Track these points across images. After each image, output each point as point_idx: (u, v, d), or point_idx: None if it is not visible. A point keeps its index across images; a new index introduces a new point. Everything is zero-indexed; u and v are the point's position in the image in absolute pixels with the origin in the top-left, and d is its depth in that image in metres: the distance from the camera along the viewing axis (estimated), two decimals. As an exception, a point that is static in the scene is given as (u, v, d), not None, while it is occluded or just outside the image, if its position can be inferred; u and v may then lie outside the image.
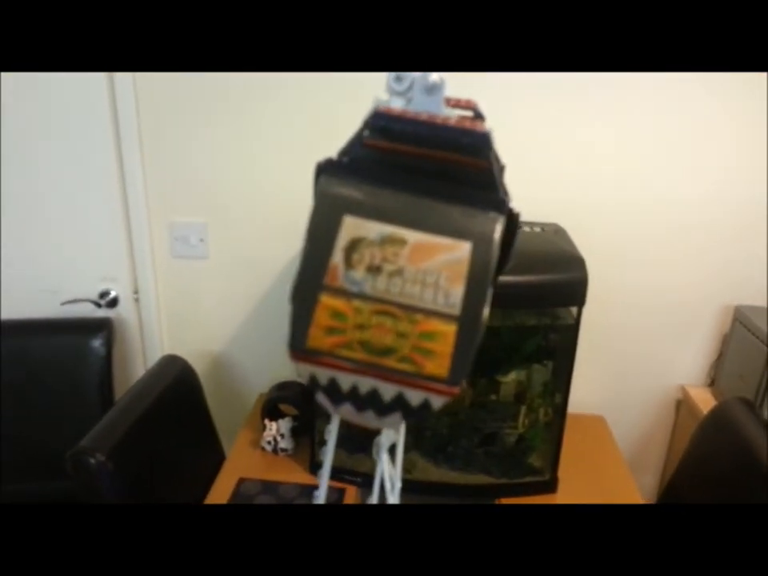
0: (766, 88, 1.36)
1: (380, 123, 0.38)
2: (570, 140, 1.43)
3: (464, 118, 0.43)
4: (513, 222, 0.42)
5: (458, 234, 0.36)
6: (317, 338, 0.35)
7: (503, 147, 1.44)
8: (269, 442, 1.43)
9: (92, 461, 1.05)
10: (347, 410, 0.36)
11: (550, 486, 1.35)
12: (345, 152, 0.40)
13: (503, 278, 1.10)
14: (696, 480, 1.34)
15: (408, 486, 1.36)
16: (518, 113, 1.42)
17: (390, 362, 0.35)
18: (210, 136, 1.48)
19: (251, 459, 1.41)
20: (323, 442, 1.37)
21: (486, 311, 0.35)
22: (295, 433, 1.45)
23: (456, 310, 0.35)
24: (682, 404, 1.65)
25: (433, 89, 0.40)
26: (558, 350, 1.32)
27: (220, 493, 1.28)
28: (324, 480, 0.64)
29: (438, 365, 0.35)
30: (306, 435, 1.41)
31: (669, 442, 1.72)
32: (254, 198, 1.53)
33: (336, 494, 1.31)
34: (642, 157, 1.44)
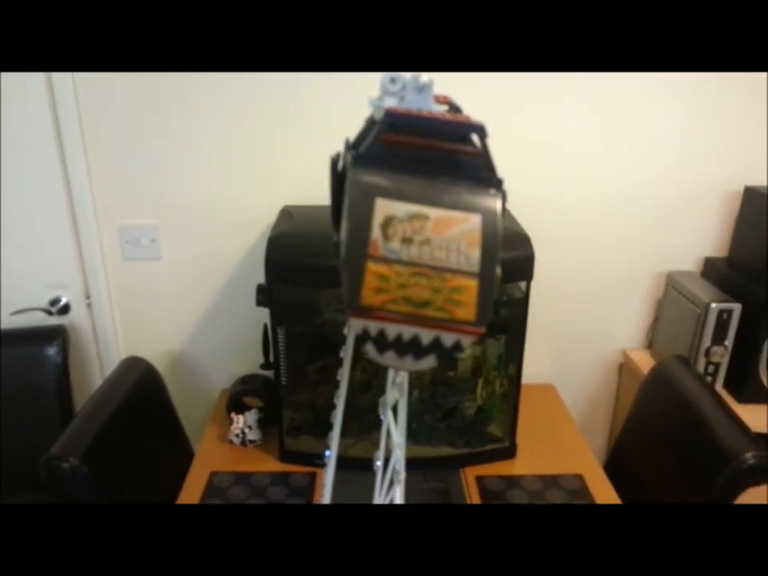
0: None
1: (391, 120, 0.45)
2: (516, 126, 1.51)
3: (450, 111, 0.51)
4: (503, 199, 0.51)
5: (468, 208, 0.45)
6: (368, 297, 0.42)
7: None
8: (237, 435, 1.45)
9: (65, 465, 1.06)
10: (390, 356, 0.43)
11: (510, 452, 1.43)
12: (362, 146, 0.47)
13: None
14: (641, 437, 1.45)
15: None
16: (472, 94, 1.48)
17: (429, 312, 0.44)
18: (156, 137, 1.48)
19: (220, 453, 1.43)
20: (291, 430, 1.42)
21: (499, 269, 0.43)
22: (262, 424, 1.48)
23: (476, 268, 0.43)
24: (624, 367, 1.77)
25: (423, 89, 0.47)
26: (509, 324, 1.40)
27: (192, 487, 1.30)
28: (330, 475, 0.69)
29: (467, 311, 0.43)
30: (273, 425, 1.44)
31: (614, 404, 1.84)
32: (204, 197, 1.54)
33: (307, 478, 1.35)
34: (584, 145, 1.53)
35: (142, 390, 1.36)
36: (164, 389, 1.45)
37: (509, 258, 1.19)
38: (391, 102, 0.49)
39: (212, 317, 1.67)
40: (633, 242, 1.63)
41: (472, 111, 1.47)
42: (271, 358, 1.43)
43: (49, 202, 1.52)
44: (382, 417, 0.62)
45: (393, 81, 0.48)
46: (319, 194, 1.54)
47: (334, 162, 0.54)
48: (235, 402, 1.51)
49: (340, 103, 1.47)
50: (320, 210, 1.45)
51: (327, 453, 0.69)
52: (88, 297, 1.63)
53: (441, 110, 0.50)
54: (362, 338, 0.44)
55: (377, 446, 1.43)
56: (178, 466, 1.41)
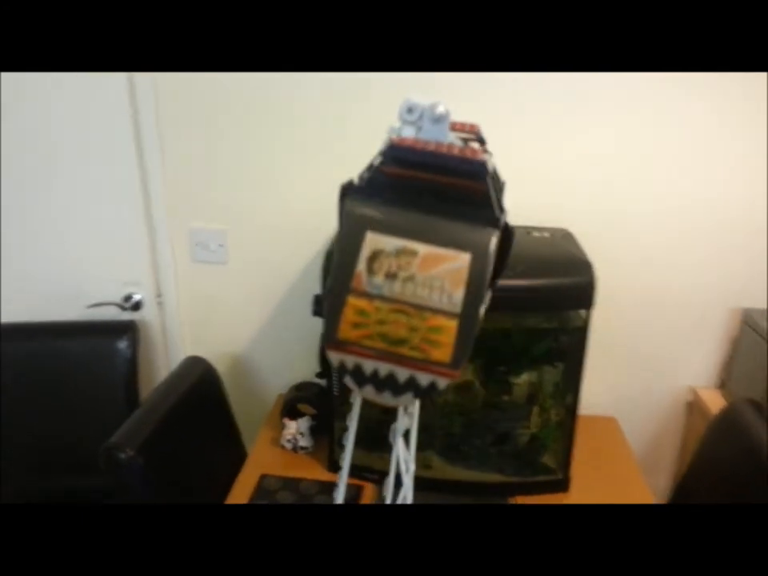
0: (767, 88, 1.39)
1: (394, 153, 0.45)
2: (575, 145, 1.47)
3: (466, 144, 0.50)
4: (508, 233, 0.49)
5: (459, 246, 0.44)
6: (345, 331, 0.42)
7: (513, 154, 1.48)
8: (288, 441, 1.48)
9: (122, 455, 1.10)
10: (369, 391, 0.43)
11: (563, 485, 1.38)
12: (363, 177, 0.47)
13: (514, 283, 1.15)
14: (706, 481, 1.37)
15: (423, 484, 1.40)
16: (527, 119, 1.46)
17: (404, 351, 0.43)
18: (230, 144, 1.53)
19: (272, 456, 1.46)
20: (342, 441, 1.42)
21: (482, 310, 0.42)
22: (314, 432, 1.50)
23: (458, 309, 0.42)
24: (693, 406, 1.68)
25: (439, 119, 0.47)
26: (568, 351, 1.36)
27: (243, 488, 1.33)
28: (343, 479, 0.69)
29: (443, 352, 0.42)
30: (324, 434, 1.45)
31: (680, 444, 1.74)
32: (272, 205, 1.58)
33: (354, 490, 1.35)
34: (647, 160, 1.47)
35: (201, 389, 1.40)
36: (222, 389, 1.50)
37: (568, 285, 1.16)
38: (409, 131, 0.49)
39: (273, 323, 1.71)
40: (706, 271, 1.55)
41: (524, 124, 1.45)
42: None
43: (127, 203, 1.60)
44: (392, 442, 0.61)
45: (410, 110, 0.48)
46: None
47: (344, 189, 0.54)
48: (289, 408, 1.53)
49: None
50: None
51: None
52: (159, 295, 1.70)
53: (456, 140, 0.50)
54: (341, 370, 0.44)
55: (425, 465, 1.42)
56: (231, 466, 1.44)
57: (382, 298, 0.43)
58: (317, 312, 1.30)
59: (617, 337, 1.64)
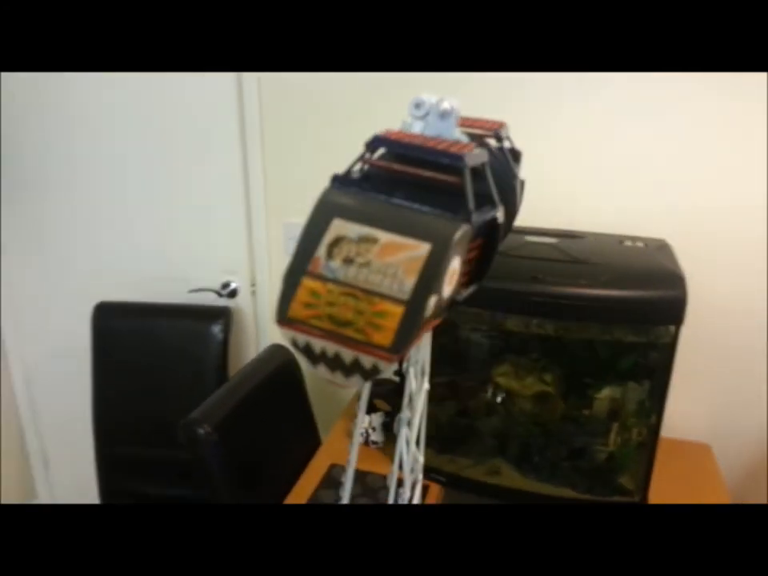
0: None
1: (377, 145, 0.46)
2: (671, 149, 1.38)
3: (473, 140, 0.51)
4: (495, 232, 0.49)
5: (421, 236, 0.44)
6: (296, 310, 0.44)
7: (608, 159, 1.42)
8: (361, 434, 1.50)
9: (200, 431, 1.18)
10: (323, 370, 0.44)
11: (639, 508, 1.31)
12: (350, 167, 0.50)
13: (597, 292, 1.10)
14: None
15: (490, 491, 1.38)
16: (620, 123, 1.39)
17: (348, 332, 0.44)
18: (326, 144, 1.59)
19: (344, 448, 1.49)
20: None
21: (432, 300, 0.42)
22: (386, 428, 1.52)
23: (406, 296, 0.43)
24: (801, 440, 1.53)
25: (444, 114, 0.48)
26: (656, 369, 1.28)
27: (312, 475, 1.37)
28: (349, 479, 0.71)
29: (384, 336, 0.43)
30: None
31: (785, 480, 1.60)
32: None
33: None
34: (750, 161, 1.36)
35: (281, 375, 1.46)
36: (301, 378, 1.55)
37: (655, 298, 1.10)
38: (418, 126, 0.49)
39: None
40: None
41: (616, 122, 1.38)
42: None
43: (230, 197, 1.70)
44: (396, 433, 0.61)
45: (417, 106, 0.49)
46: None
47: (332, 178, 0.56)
48: (365, 403, 1.56)
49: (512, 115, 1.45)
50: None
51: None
52: (253, 284, 1.79)
53: (462, 137, 0.49)
54: (294, 348, 0.45)
55: (493, 472, 1.40)
56: (303, 452, 1.49)
57: (336, 281, 0.45)
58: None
59: (714, 357, 1.52)
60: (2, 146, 1.90)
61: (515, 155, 0.70)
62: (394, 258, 0.44)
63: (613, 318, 1.21)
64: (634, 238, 1.33)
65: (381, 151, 0.51)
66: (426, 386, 0.73)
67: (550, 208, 1.49)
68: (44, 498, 2.36)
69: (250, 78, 1.57)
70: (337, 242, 0.45)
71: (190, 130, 1.67)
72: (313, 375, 1.78)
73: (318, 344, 0.44)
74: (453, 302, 0.51)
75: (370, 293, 0.43)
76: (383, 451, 1.49)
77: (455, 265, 0.46)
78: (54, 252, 1.95)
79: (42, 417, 2.24)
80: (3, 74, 1.79)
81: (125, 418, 1.72)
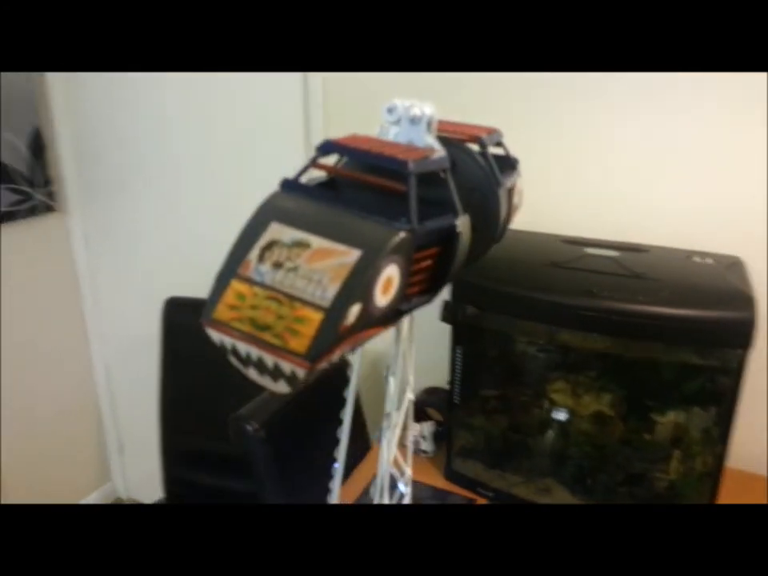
0: None
1: (328, 149, 0.46)
2: (743, 160, 1.29)
3: (450, 145, 0.51)
4: (454, 240, 0.49)
5: (353, 243, 0.43)
6: (221, 312, 0.43)
7: (678, 167, 1.34)
8: (412, 441, 1.49)
9: (248, 427, 1.20)
10: (253, 373, 0.43)
11: (700, 543, 1.22)
12: (300, 171, 0.51)
13: (651, 309, 1.04)
14: None
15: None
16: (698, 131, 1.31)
17: (267, 336, 0.43)
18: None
19: (393, 455, 1.48)
20: (462, 452, 1.41)
21: (355, 309, 0.40)
22: (437, 437, 1.50)
23: (326, 303, 0.42)
24: None
25: (414, 120, 0.47)
26: (723, 394, 1.20)
27: (358, 479, 1.38)
28: (337, 480, 0.71)
29: (300, 343, 0.41)
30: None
31: None
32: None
33: (465, 503, 1.33)
34: None
35: (333, 378, 1.47)
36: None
37: (718, 318, 1.02)
38: (394, 131, 0.48)
39: (417, 323, 1.73)
40: None
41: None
42: (454, 376, 1.44)
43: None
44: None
45: (390, 111, 0.49)
46: (532, 218, 1.50)
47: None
48: (417, 411, 1.55)
49: (573, 117, 1.41)
50: (529, 236, 1.41)
51: (336, 464, 0.70)
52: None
53: (431, 142, 0.48)
54: (223, 350, 0.44)
55: (543, 491, 1.35)
56: (352, 456, 1.50)
57: (262, 285, 0.44)
58: (444, 318, 1.30)
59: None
60: (82, 145, 2.04)
61: (508, 163, 0.68)
62: (322, 264, 0.43)
63: (673, 338, 1.14)
64: (703, 254, 1.25)
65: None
66: (410, 396, 0.73)
67: (615, 220, 1.43)
68: (118, 482, 2.50)
69: (315, 77, 1.60)
70: (270, 245, 0.45)
71: (258, 127, 1.72)
72: (371, 380, 1.79)
73: (243, 347, 0.44)
74: (398, 312, 0.50)
75: (292, 298, 0.43)
76: (432, 461, 1.47)
77: (390, 273, 0.45)
78: (134, 246, 2.07)
79: (119, 403, 2.37)
80: (82, 74, 1.91)
81: (189, 410, 1.79)
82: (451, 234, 0.52)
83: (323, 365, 0.43)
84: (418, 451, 1.48)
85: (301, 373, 0.42)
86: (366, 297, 0.43)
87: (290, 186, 0.49)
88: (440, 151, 0.51)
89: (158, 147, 1.91)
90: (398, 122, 0.50)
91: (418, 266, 0.50)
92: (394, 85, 1.53)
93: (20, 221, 1.98)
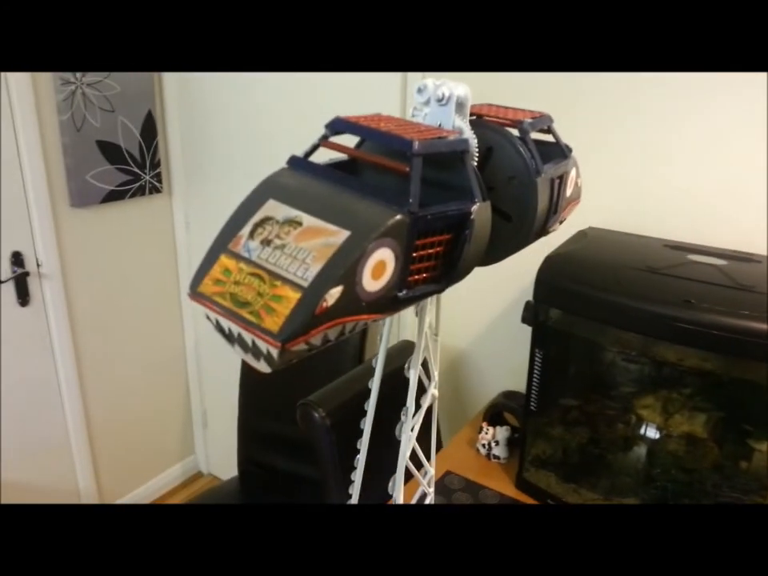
0: None
1: (337, 126, 0.44)
2: None
3: (466, 128, 0.50)
4: (467, 228, 0.46)
5: (345, 223, 0.41)
6: (206, 286, 0.43)
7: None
8: (483, 445, 1.44)
9: (315, 414, 1.20)
10: (239, 350, 0.42)
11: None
12: (310, 149, 0.49)
13: (758, 326, 0.94)
14: None
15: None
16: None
17: (244, 313, 0.41)
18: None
19: (463, 456, 1.44)
20: (535, 461, 1.34)
21: (336, 290, 0.39)
22: (511, 443, 1.44)
23: (306, 283, 0.40)
24: None
25: (442, 100, 0.45)
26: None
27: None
28: (357, 481, 0.68)
29: (274, 321, 0.39)
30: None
31: None
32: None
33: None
34: None
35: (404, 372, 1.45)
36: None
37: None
38: (425, 112, 0.46)
39: (497, 324, 1.67)
40: None
41: None
42: (533, 381, 1.37)
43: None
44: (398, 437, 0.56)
45: (419, 91, 0.48)
46: (630, 219, 1.40)
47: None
48: (493, 414, 1.49)
49: (662, 117, 1.30)
50: (625, 237, 1.32)
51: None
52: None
53: (461, 124, 0.45)
54: (211, 324, 0.43)
55: (621, 512, 1.26)
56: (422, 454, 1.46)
57: (248, 261, 0.42)
58: (525, 319, 1.24)
59: None
60: (190, 133, 2.13)
61: (558, 150, 0.62)
62: (309, 243, 0.41)
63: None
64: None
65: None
66: (434, 392, 0.70)
67: (730, 226, 1.30)
68: (200, 456, 2.60)
69: (415, 76, 1.58)
70: (263, 222, 0.43)
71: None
72: (449, 379, 1.75)
73: (225, 322, 0.42)
74: (398, 300, 0.46)
75: (274, 275, 0.41)
76: (504, 468, 1.41)
77: (382, 257, 0.42)
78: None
79: (205, 379, 2.47)
80: (197, 73, 1.99)
81: (265, 393, 1.83)
82: (466, 221, 0.49)
83: (300, 346, 0.40)
84: (490, 456, 1.43)
85: (275, 352, 0.40)
86: (351, 279, 0.40)
87: (297, 163, 0.47)
88: (466, 134, 0.48)
89: (260, 140, 1.96)
90: (428, 103, 0.47)
91: (425, 252, 0.47)
92: (494, 84, 1.48)
93: (127, 200, 2.10)
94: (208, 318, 0.44)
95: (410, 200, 0.43)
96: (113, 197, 2.04)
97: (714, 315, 0.97)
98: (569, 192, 0.64)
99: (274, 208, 0.44)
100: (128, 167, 2.08)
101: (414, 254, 0.46)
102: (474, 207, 0.48)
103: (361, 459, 0.70)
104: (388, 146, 0.44)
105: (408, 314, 1.81)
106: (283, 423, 1.79)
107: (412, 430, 0.63)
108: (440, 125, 0.49)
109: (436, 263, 0.49)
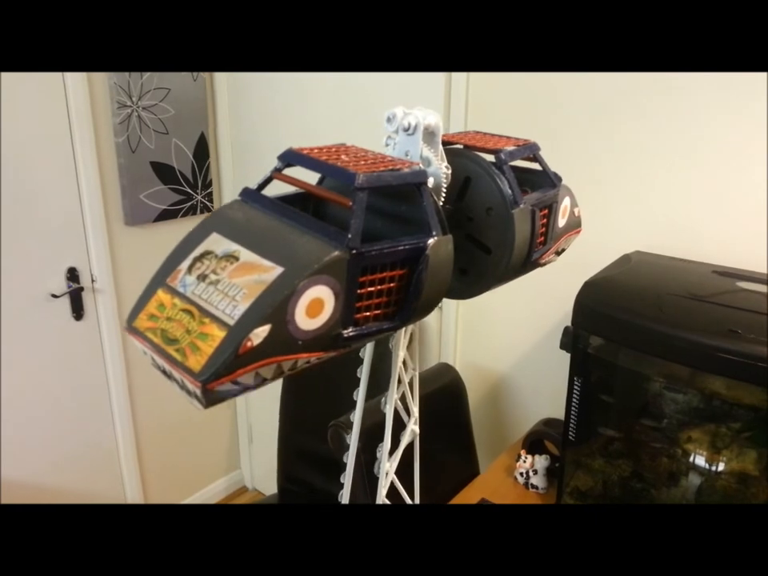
0: None
1: (286, 159, 0.43)
2: None
3: (434, 159, 0.49)
4: (422, 262, 0.45)
5: (281, 260, 0.39)
6: (141, 320, 0.43)
7: None
8: (521, 474, 1.40)
9: (345, 435, 1.20)
10: (175, 387, 0.40)
11: None
12: (262, 181, 0.48)
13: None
14: None
15: None
16: None
17: (171, 350, 0.40)
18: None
19: (501, 484, 1.40)
20: (575, 493, 1.29)
21: (262, 330, 0.36)
22: (550, 473, 1.39)
23: (232, 321, 0.38)
24: None
25: (408, 130, 0.44)
26: None
27: (459, 504, 1.32)
28: (348, 476, 0.67)
29: (197, 360, 0.38)
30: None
31: None
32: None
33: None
34: None
35: (444, 396, 1.43)
36: (465, 402, 1.50)
37: None
38: (397, 140, 0.45)
39: (543, 348, 1.63)
40: None
41: None
42: (573, 409, 1.32)
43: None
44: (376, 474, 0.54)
45: (389, 120, 0.46)
46: (680, 243, 1.35)
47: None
48: (532, 442, 1.45)
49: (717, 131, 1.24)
50: (671, 262, 1.26)
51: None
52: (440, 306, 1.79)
53: (428, 154, 0.43)
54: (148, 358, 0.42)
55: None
56: (456, 479, 1.44)
57: (182, 296, 0.41)
58: (563, 345, 1.20)
59: None
60: (240, 153, 2.18)
61: (545, 179, 0.59)
62: (242, 279, 0.39)
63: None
64: None
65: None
66: (414, 428, 0.67)
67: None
68: (246, 471, 2.63)
69: (459, 77, 1.59)
70: (202, 256, 0.42)
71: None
72: (478, 401, 1.71)
73: (158, 360, 0.41)
74: (338, 338, 0.44)
75: (204, 312, 0.39)
76: (543, 498, 1.36)
77: (318, 294, 0.40)
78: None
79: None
80: (244, 86, 2.05)
81: (305, 410, 1.83)
82: (420, 256, 0.46)
83: (226, 386, 0.39)
84: (528, 485, 1.38)
85: (199, 393, 0.38)
86: (281, 318, 0.39)
87: (248, 195, 0.46)
88: (433, 164, 0.46)
89: (304, 127, 2.00)
90: (397, 132, 0.46)
91: (374, 288, 0.45)
92: (536, 84, 1.46)
93: (180, 218, 2.17)
94: (144, 353, 0.44)
95: (349, 236, 0.41)
96: (165, 216, 2.11)
97: (760, 346, 0.91)
98: (561, 222, 0.62)
99: (216, 242, 0.43)
100: (181, 187, 2.15)
101: (360, 291, 0.44)
102: (431, 241, 0.46)
103: (350, 457, 0.69)
104: (335, 179, 0.43)
105: (449, 335, 1.79)
106: (322, 441, 1.79)
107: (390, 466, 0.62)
108: (407, 154, 0.48)
109: (389, 299, 0.47)
